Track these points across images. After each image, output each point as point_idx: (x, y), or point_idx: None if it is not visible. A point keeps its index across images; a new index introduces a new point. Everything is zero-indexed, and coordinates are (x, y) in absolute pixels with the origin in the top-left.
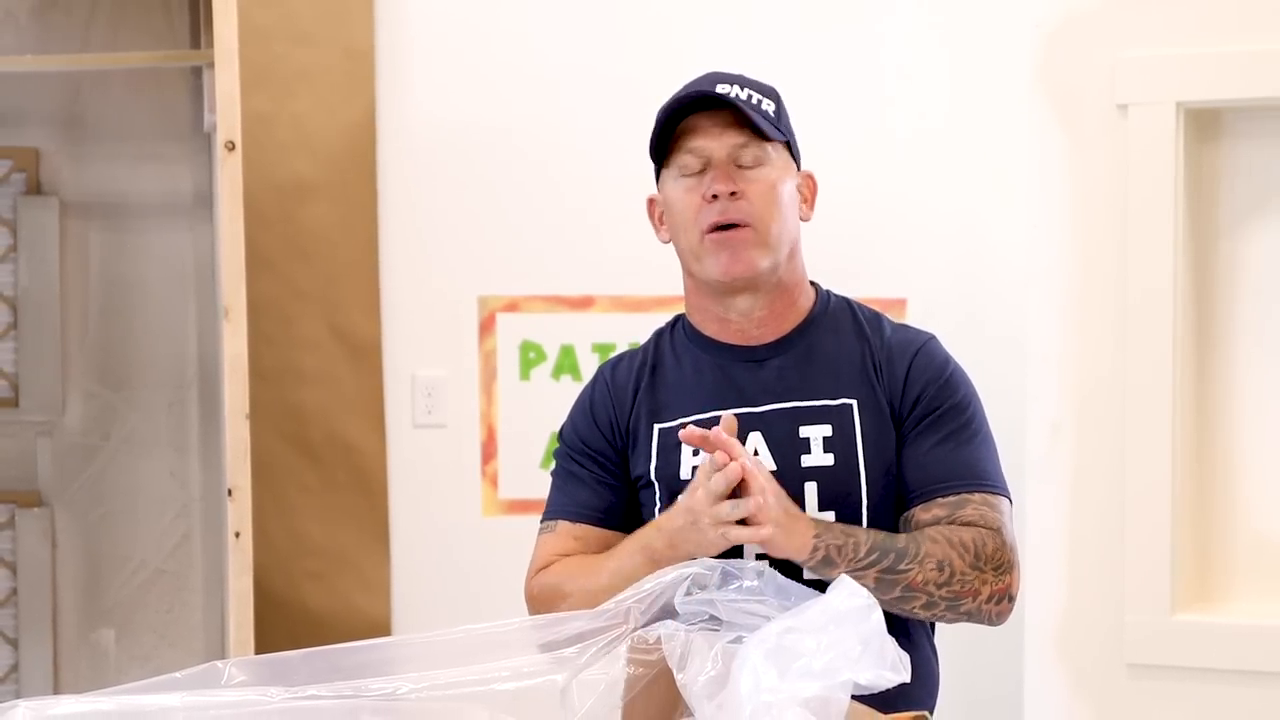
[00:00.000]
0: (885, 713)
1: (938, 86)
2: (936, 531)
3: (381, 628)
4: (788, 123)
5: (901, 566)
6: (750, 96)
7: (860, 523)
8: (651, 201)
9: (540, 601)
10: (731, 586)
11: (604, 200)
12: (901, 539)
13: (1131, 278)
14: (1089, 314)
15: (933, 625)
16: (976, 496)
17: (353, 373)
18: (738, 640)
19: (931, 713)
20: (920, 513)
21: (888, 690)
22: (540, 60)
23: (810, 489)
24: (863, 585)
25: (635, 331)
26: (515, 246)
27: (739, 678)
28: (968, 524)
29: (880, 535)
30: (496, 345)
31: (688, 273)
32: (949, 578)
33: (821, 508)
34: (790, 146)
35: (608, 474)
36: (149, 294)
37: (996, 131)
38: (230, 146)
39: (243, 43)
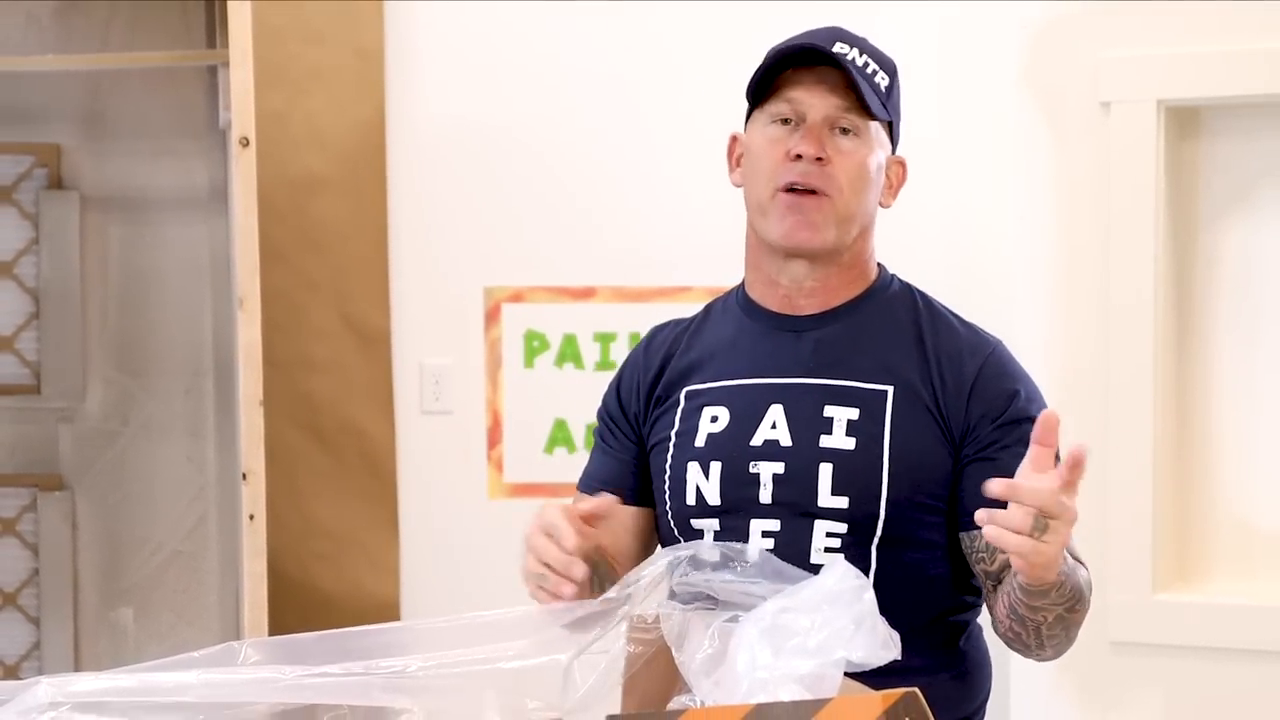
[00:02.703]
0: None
1: (927, 85)
2: (1080, 570)
3: (390, 607)
4: (898, 101)
5: (1076, 608)
6: (867, 64)
7: (877, 516)
8: (734, 139)
9: None
10: (728, 569)
11: (605, 195)
12: (1083, 577)
13: (1114, 269)
14: (1073, 305)
15: (966, 616)
16: None
17: (363, 361)
18: (734, 619)
19: (984, 706)
20: None
21: (938, 684)
22: (543, 61)
23: (825, 470)
24: (1035, 620)
25: (635, 321)
26: (520, 239)
27: (735, 655)
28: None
29: (1071, 572)
30: (501, 334)
31: (750, 225)
32: (1079, 620)
33: (835, 492)
34: (892, 127)
35: (616, 443)
36: (166, 285)
37: (983, 128)
38: (245, 143)
39: (257, 43)
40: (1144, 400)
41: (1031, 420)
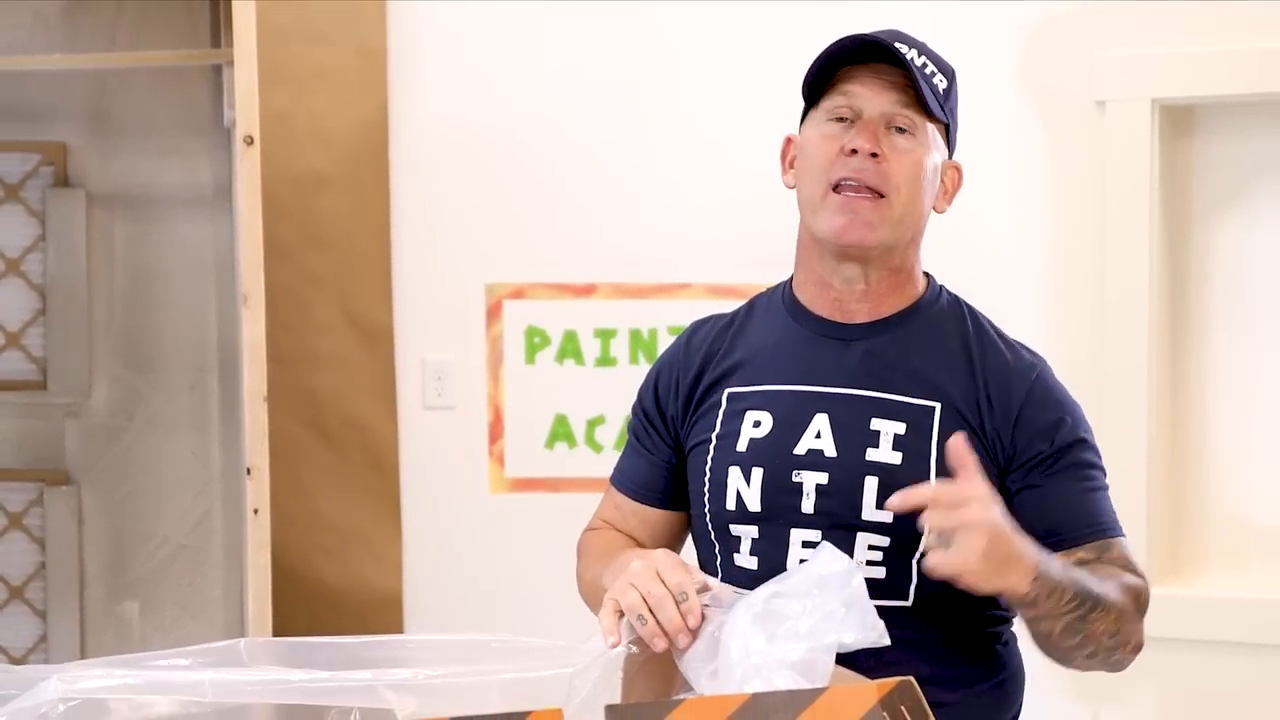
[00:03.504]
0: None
1: None
2: (1111, 576)
3: (393, 601)
4: (955, 106)
5: (1091, 616)
6: (926, 65)
7: (921, 532)
8: (789, 141)
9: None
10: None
11: (605, 193)
12: (1094, 585)
13: (1109, 266)
14: (1068, 302)
15: (1007, 621)
16: (1117, 541)
17: (366, 357)
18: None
19: (1019, 714)
20: (1064, 558)
21: (976, 693)
22: (544, 60)
23: (870, 484)
24: (1041, 630)
25: (634, 317)
26: (521, 237)
27: (729, 642)
28: (1124, 569)
29: (1080, 581)
30: (503, 331)
31: (802, 224)
32: (1119, 628)
33: (880, 506)
34: (949, 131)
35: (651, 444)
36: (171, 282)
37: (979, 127)
38: (249, 141)
39: (261, 42)
40: (1138, 396)
41: (1081, 442)
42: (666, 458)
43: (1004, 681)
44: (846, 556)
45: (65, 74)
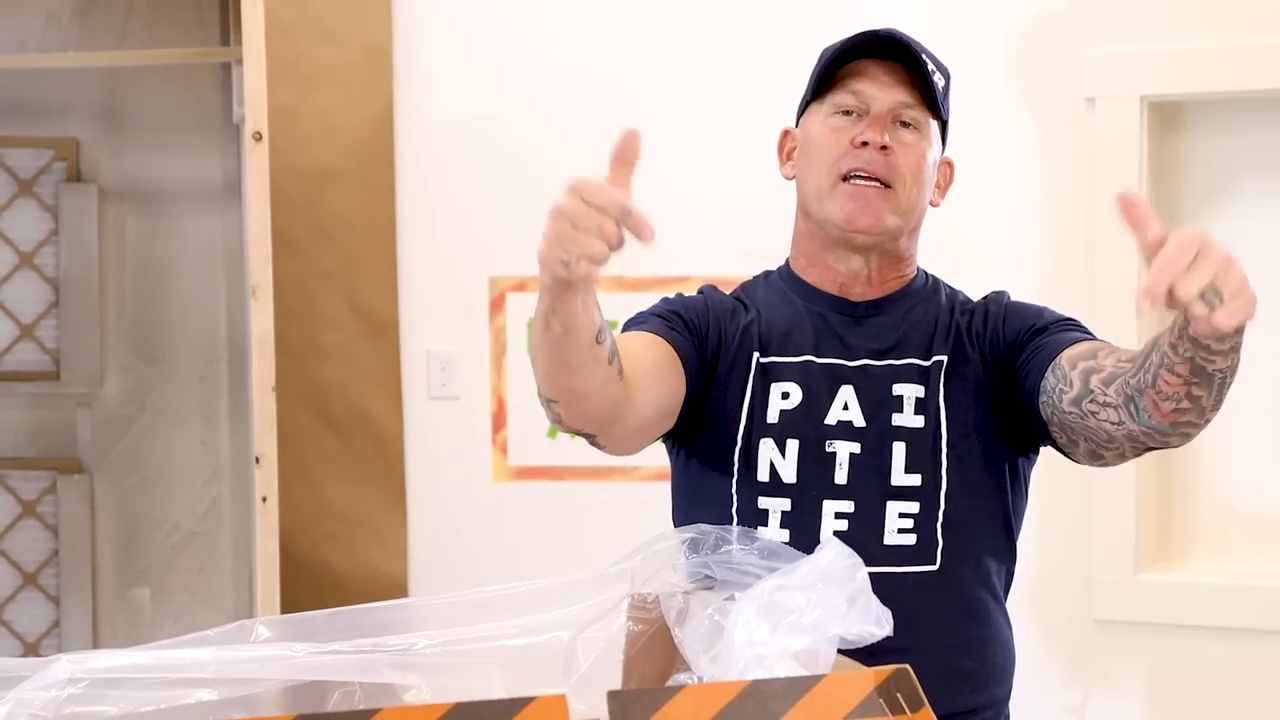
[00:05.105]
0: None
1: None
2: None
3: (398, 586)
4: (948, 105)
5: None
6: (927, 64)
7: (940, 490)
8: (786, 133)
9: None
10: (724, 549)
11: None
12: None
13: (1098, 261)
14: (1058, 297)
15: (1007, 586)
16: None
17: (372, 348)
18: (731, 598)
19: (1008, 694)
20: (1074, 351)
21: (961, 668)
22: (545, 58)
23: (898, 449)
24: (1224, 366)
25: (633, 309)
26: (523, 230)
27: (733, 632)
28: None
29: None
30: (506, 322)
31: (804, 213)
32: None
33: (908, 470)
34: (944, 129)
35: (679, 325)
36: (181, 275)
37: (971, 123)
38: (258, 137)
39: (269, 40)
40: None
41: (1067, 319)
42: (689, 340)
43: (1008, 648)
44: (850, 550)
45: (78, 71)
